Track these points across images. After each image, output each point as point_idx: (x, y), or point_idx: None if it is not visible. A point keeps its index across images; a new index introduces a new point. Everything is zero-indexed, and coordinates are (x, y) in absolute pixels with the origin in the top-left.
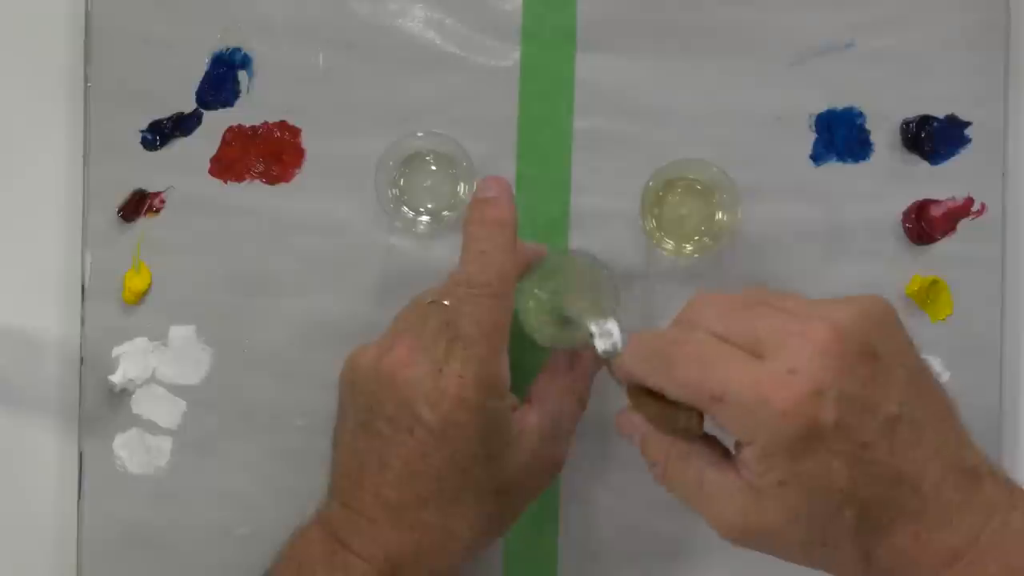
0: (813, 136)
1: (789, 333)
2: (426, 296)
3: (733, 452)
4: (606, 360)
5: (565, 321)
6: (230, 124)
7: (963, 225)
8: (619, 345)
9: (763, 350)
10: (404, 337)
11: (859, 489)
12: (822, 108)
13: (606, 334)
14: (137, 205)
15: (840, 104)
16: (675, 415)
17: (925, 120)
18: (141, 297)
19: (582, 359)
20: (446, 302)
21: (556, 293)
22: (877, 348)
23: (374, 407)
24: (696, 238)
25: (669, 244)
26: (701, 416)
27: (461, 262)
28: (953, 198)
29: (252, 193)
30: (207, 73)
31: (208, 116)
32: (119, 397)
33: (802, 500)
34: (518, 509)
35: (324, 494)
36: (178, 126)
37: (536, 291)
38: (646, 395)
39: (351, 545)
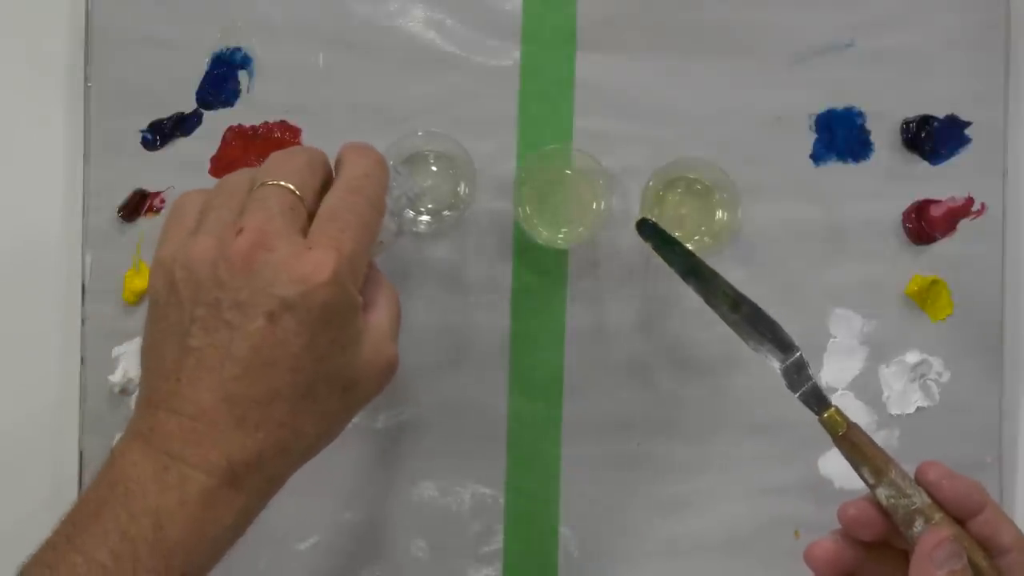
0: (813, 136)
1: None
2: (244, 175)
3: None
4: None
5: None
6: (230, 124)
7: (963, 225)
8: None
9: None
10: (250, 219)
11: None
12: (822, 108)
13: None
14: (137, 205)
15: (840, 104)
16: None
17: (925, 120)
18: (141, 297)
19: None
20: (287, 184)
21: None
22: None
23: (220, 299)
24: (696, 238)
25: None
26: None
27: (346, 164)
28: (953, 198)
29: None
30: (207, 73)
31: (208, 116)
32: (119, 397)
33: None
34: (357, 408)
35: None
36: (178, 126)
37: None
38: None
39: (186, 456)
